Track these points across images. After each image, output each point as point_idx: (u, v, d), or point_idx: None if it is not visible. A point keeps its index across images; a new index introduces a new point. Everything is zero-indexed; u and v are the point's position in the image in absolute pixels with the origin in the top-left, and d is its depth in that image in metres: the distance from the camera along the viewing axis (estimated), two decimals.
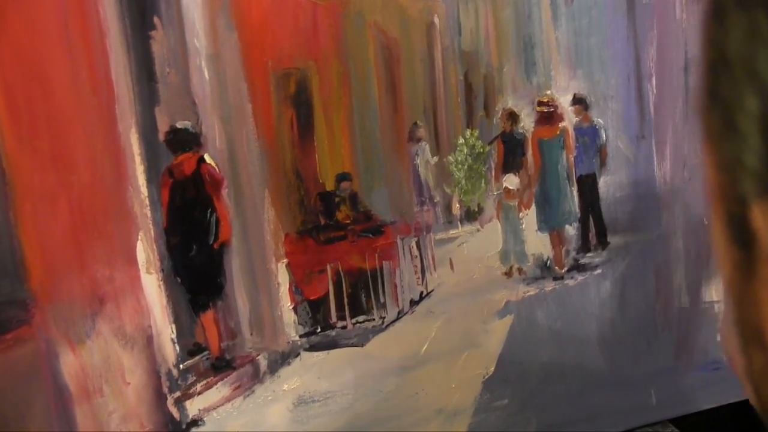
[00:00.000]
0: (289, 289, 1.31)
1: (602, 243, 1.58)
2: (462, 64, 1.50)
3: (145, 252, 1.26)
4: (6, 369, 1.21)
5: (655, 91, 1.47)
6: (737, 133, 0.36)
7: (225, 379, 1.29)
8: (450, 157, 1.57)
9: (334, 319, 1.33)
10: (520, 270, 1.46)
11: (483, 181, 1.58)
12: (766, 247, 0.36)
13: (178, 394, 1.29)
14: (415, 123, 1.52)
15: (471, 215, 1.52)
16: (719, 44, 0.37)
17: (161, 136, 1.33)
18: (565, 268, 1.54)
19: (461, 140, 1.58)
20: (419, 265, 1.38)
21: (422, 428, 1.47)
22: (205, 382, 1.28)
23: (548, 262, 1.57)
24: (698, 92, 0.41)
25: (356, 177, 1.45)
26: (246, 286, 1.28)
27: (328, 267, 1.33)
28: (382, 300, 1.35)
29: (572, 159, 1.57)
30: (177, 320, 1.28)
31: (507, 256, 1.50)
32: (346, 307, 1.34)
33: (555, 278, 1.55)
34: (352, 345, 1.38)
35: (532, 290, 1.48)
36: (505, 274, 1.45)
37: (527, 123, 1.55)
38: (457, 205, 1.53)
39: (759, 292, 0.40)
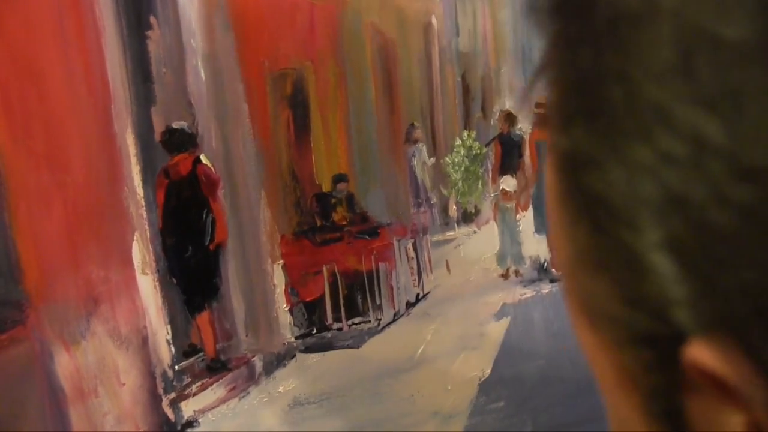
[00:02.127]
0: (284, 290, 1.31)
1: None
2: (459, 66, 1.50)
3: (141, 253, 1.26)
4: (0, 369, 1.20)
5: None
6: (648, 273, 0.32)
7: (220, 381, 1.29)
8: (447, 159, 1.56)
9: (329, 320, 1.33)
10: (517, 272, 1.46)
11: (480, 183, 1.58)
12: (711, 389, 0.33)
13: (173, 395, 1.29)
14: (412, 124, 1.52)
15: (468, 217, 1.52)
16: (597, 195, 0.34)
17: (157, 137, 1.32)
18: None
19: (458, 142, 1.58)
20: (415, 267, 1.38)
21: (418, 430, 1.47)
22: (200, 383, 1.28)
23: (545, 265, 1.57)
24: (570, 270, 0.37)
25: (353, 178, 1.45)
26: (242, 287, 1.28)
27: (324, 268, 1.33)
28: (378, 302, 1.35)
29: None
30: (172, 321, 1.28)
31: (504, 258, 1.50)
32: (342, 309, 1.34)
33: (552, 280, 1.55)
34: (348, 347, 1.38)
35: (528, 292, 1.48)
36: (502, 276, 1.45)
37: (525, 125, 1.55)
38: (454, 207, 1.53)
39: None
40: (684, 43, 0.28)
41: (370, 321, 1.35)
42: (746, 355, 0.31)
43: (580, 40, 0.29)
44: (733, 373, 0.31)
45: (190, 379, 1.30)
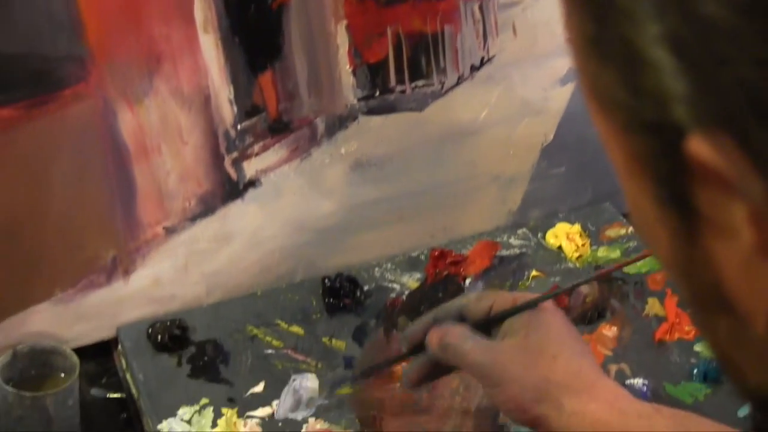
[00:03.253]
0: (348, 51, 1.28)
1: None
2: None
3: (203, 10, 1.24)
4: (66, 125, 1.21)
5: None
6: (648, 66, 0.33)
7: (282, 141, 1.29)
8: None
9: (393, 83, 1.31)
10: None
11: None
12: (714, 179, 0.33)
13: (235, 154, 1.30)
14: None
15: None
16: None
17: None
18: None
19: None
20: (481, 30, 1.34)
21: (478, 194, 1.47)
22: (262, 143, 1.28)
23: None
24: (578, 55, 0.38)
25: None
26: (305, 47, 1.26)
27: (389, 29, 1.29)
28: (442, 65, 1.32)
29: None
30: (235, 80, 1.27)
31: None
32: (406, 71, 1.32)
33: None
34: (411, 110, 1.36)
35: None
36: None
37: None
38: None
39: (709, 246, 0.36)
40: None
41: (433, 84, 1.33)
42: (743, 150, 0.31)
43: None
44: (730, 167, 0.31)
45: (252, 139, 1.30)
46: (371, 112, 1.36)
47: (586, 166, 1.51)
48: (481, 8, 1.37)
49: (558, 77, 1.46)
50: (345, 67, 1.32)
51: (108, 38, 1.20)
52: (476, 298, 0.89)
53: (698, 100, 0.33)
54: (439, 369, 0.91)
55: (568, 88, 1.47)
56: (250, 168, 1.31)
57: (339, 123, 1.34)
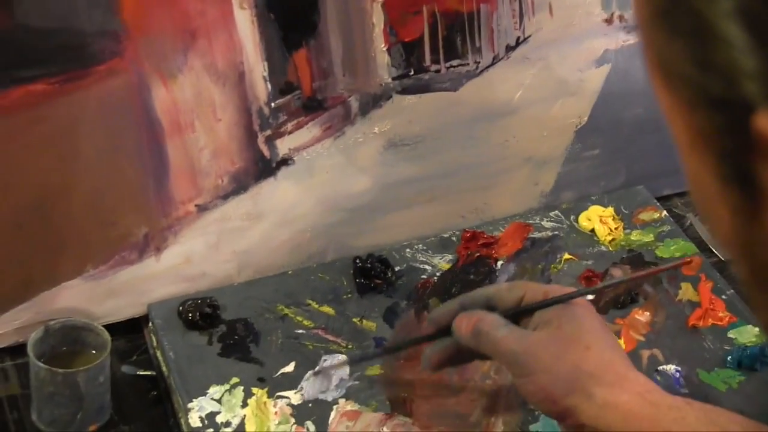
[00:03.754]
0: (383, 29, 1.27)
1: None
2: None
3: None
4: (100, 100, 1.21)
5: None
6: (719, 41, 0.33)
7: (316, 120, 1.28)
8: None
9: (427, 62, 1.30)
10: (621, 17, 1.40)
11: None
12: None
13: (268, 132, 1.29)
14: None
15: None
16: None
17: None
18: None
19: None
20: (517, 9, 1.33)
21: (510, 175, 1.46)
22: (296, 121, 1.27)
23: None
24: (647, 29, 0.38)
25: None
26: (340, 24, 1.25)
27: (424, 8, 1.28)
28: (477, 44, 1.31)
29: None
30: (269, 58, 1.26)
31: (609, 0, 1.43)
32: (441, 50, 1.31)
33: None
34: (445, 89, 1.35)
35: (632, 39, 1.43)
36: (606, 21, 1.38)
37: None
38: None
39: None
40: None
41: (468, 63, 1.32)
42: None
43: None
44: None
45: (285, 117, 1.29)
46: (405, 91, 1.35)
47: (620, 149, 1.50)
48: None
49: (594, 58, 1.44)
50: (380, 45, 1.31)
51: (143, 13, 1.19)
52: (507, 288, 0.89)
53: None
54: (461, 355, 0.91)
55: (604, 69, 1.46)
56: (283, 146, 1.30)
57: (373, 102, 1.33)
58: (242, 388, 1.18)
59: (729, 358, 1.24)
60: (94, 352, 1.16)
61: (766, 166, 0.33)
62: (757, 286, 0.41)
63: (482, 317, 0.84)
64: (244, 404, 1.16)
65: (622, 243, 1.41)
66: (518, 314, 0.85)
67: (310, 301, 1.29)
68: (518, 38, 1.39)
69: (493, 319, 0.83)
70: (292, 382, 1.20)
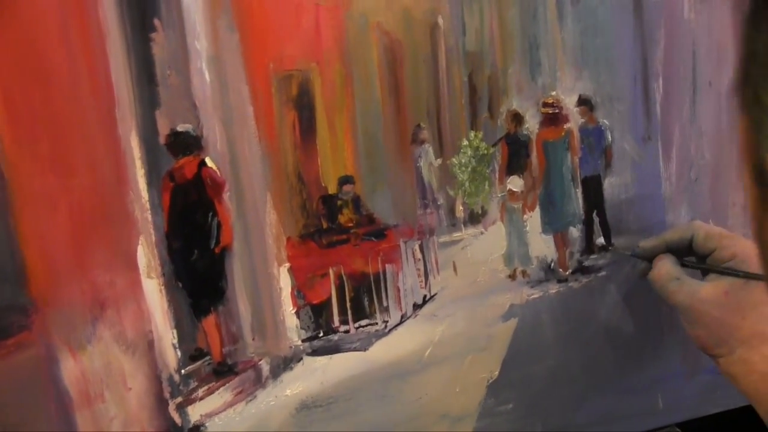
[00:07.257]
0: (291, 293, 1.30)
1: (607, 245, 1.56)
2: (466, 66, 1.49)
3: (146, 256, 1.25)
4: (7, 374, 1.20)
5: (661, 91, 1.45)
6: (762, 107, 0.45)
7: (227, 384, 1.28)
8: (454, 159, 1.55)
9: (336, 323, 1.32)
10: (524, 273, 1.45)
11: (487, 184, 1.57)
12: None
13: (179, 399, 1.28)
14: (419, 125, 1.51)
15: (474, 218, 1.51)
16: (752, 39, 0.46)
17: (162, 140, 1.32)
18: (569, 271, 1.52)
19: (465, 142, 1.56)
20: (422, 269, 1.37)
21: None
22: (206, 387, 1.27)
23: (552, 265, 1.55)
24: (736, 73, 0.48)
25: (359, 180, 1.43)
26: (248, 290, 1.27)
27: (331, 271, 1.31)
28: (385, 304, 1.34)
29: (577, 161, 1.55)
30: (178, 325, 1.27)
31: (511, 258, 1.48)
32: (349, 311, 1.33)
33: (559, 281, 1.53)
34: (355, 349, 1.37)
35: (536, 293, 1.47)
36: (509, 277, 1.43)
37: (532, 124, 1.54)
38: (461, 208, 1.51)
39: None
40: None
41: (377, 323, 1.34)
42: None
43: None
44: None
45: (196, 383, 1.29)
46: (316, 352, 1.36)
47: (535, 402, 1.51)
48: (421, 247, 1.40)
49: (500, 313, 1.48)
50: (288, 308, 1.33)
51: (51, 287, 1.20)
52: (704, 237, 1.03)
53: None
54: None
55: (511, 324, 1.49)
56: (195, 413, 1.30)
57: (284, 364, 1.34)
58: None
59: None
60: None
61: None
62: None
63: (660, 268, 1.01)
64: None
65: None
66: (701, 269, 1.02)
67: None
68: (425, 296, 1.42)
69: (668, 271, 1.00)
70: None
